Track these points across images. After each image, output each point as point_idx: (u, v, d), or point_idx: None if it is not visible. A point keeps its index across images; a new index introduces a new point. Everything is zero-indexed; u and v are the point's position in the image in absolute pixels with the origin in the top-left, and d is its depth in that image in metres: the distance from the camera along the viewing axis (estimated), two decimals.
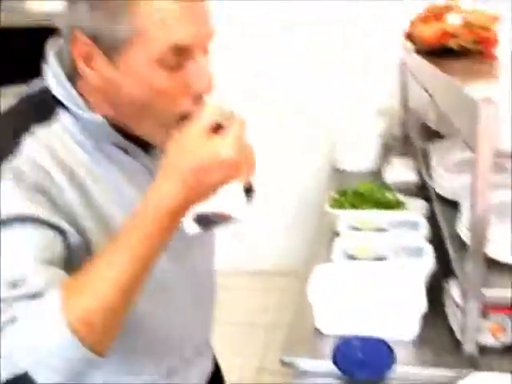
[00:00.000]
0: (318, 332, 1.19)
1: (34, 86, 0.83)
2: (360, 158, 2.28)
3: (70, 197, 0.76)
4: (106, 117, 0.78)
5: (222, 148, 0.70)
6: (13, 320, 0.64)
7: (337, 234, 1.52)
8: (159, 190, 0.71)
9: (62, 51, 0.80)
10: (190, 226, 0.78)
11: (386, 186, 1.90)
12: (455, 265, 1.13)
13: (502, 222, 1.11)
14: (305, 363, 1.12)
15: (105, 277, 0.67)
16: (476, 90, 0.98)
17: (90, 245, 0.78)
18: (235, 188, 0.80)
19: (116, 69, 0.74)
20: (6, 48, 2.09)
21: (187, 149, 0.70)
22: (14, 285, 0.66)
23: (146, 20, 0.71)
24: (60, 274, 0.70)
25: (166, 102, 0.76)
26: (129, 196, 0.83)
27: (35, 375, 0.63)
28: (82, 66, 0.75)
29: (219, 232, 0.99)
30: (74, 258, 0.76)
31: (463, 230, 1.15)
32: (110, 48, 0.73)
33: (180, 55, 0.74)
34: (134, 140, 0.83)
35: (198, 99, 0.78)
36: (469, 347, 1.07)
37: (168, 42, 0.72)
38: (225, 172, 0.71)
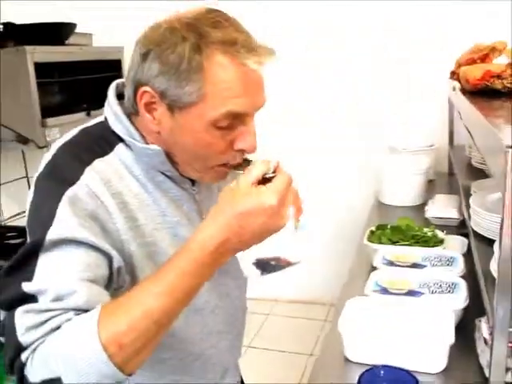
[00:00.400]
0: (346, 361, 1.22)
1: (94, 122, 0.94)
2: (404, 193, 2.29)
3: (120, 223, 0.84)
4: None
5: (265, 196, 0.77)
6: (56, 329, 0.72)
7: (374, 268, 1.55)
8: (204, 230, 0.77)
9: (119, 87, 0.91)
10: (250, 270, 0.85)
11: (427, 222, 1.92)
12: (486, 302, 1.15)
13: None
14: None
15: (140, 305, 0.73)
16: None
17: (134, 268, 0.86)
18: (290, 233, 0.86)
19: (175, 122, 0.84)
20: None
21: (234, 197, 0.78)
22: (59, 298, 0.74)
23: (210, 89, 0.80)
24: (102, 293, 0.78)
25: (212, 155, 0.86)
26: (173, 221, 0.91)
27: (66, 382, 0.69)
28: (143, 112, 0.85)
29: None
30: (119, 282, 0.84)
31: (495, 268, 1.16)
32: (173, 105, 0.82)
33: (232, 119, 0.83)
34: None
35: (240, 156, 0.88)
36: None
37: (225, 109, 0.81)
38: (266, 218, 0.77)
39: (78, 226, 0.78)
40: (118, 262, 0.83)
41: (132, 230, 0.86)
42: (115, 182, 0.85)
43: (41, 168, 0.86)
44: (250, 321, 2.97)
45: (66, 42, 2.45)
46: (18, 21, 2.25)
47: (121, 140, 0.89)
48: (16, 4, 2.62)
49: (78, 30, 2.48)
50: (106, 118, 0.91)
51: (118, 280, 0.85)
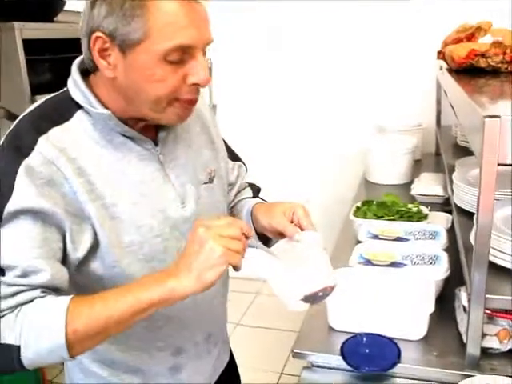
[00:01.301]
0: (330, 329, 1.26)
1: (58, 92, 0.97)
2: (391, 172, 2.33)
3: (76, 186, 0.87)
4: (114, 112, 0.91)
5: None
6: (26, 302, 0.81)
7: (359, 242, 1.59)
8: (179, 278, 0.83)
9: (83, 58, 0.94)
10: (297, 305, 0.88)
11: (413, 200, 1.96)
12: (465, 272, 1.19)
13: None
14: (315, 356, 1.20)
15: (101, 311, 0.81)
16: (495, 107, 1.04)
17: (95, 229, 0.89)
18: (323, 259, 0.91)
19: (128, 63, 0.86)
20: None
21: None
22: (25, 274, 0.82)
23: (154, 23, 0.83)
24: (62, 269, 0.87)
25: (166, 90, 0.87)
26: (135, 180, 0.94)
27: (23, 353, 0.79)
28: (98, 59, 0.87)
29: None
30: (78, 250, 0.89)
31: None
32: (124, 45, 0.85)
33: (182, 53, 0.86)
34: (142, 133, 0.95)
35: (194, 90, 0.91)
36: (473, 350, 1.12)
37: (172, 42, 0.84)
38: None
39: (35, 195, 0.83)
40: (70, 235, 0.88)
41: (91, 193, 0.89)
42: (72, 149, 0.89)
43: (2, 140, 0.90)
44: (240, 299, 3.03)
45: (55, 19, 2.44)
46: None
47: (80, 107, 0.92)
48: None
49: (67, 7, 2.47)
50: (68, 88, 0.94)
51: (76, 247, 0.89)
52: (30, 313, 0.80)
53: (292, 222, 0.99)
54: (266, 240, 1.09)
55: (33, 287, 0.82)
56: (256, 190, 1.24)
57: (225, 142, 1.20)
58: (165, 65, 0.85)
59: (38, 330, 0.79)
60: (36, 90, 2.14)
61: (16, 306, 0.81)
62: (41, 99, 0.96)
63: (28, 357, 0.79)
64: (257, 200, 1.17)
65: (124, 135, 0.93)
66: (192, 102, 0.93)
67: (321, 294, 0.89)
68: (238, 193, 1.24)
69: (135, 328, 0.95)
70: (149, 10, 0.83)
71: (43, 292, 0.83)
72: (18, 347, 0.78)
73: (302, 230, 0.97)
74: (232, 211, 1.21)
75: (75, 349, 0.81)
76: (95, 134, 0.92)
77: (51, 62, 2.37)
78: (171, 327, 1.03)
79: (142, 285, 0.83)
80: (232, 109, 3.11)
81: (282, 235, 0.99)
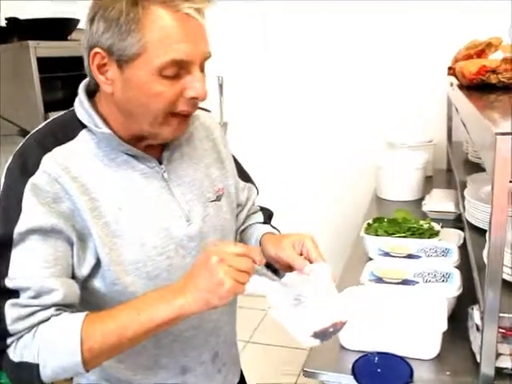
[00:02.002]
0: (341, 348, 1.24)
1: (65, 113, 0.99)
2: (402, 188, 2.32)
3: (80, 204, 0.88)
4: (116, 131, 0.92)
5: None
6: (41, 322, 0.84)
7: (370, 259, 1.58)
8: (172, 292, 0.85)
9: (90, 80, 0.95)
10: (309, 341, 0.87)
11: (424, 216, 1.94)
12: (478, 290, 1.17)
13: None
14: (326, 376, 1.18)
15: (115, 329, 0.83)
16: (507, 124, 1.03)
17: (96, 247, 0.90)
18: (336, 293, 0.90)
19: (125, 78, 0.87)
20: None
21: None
22: (38, 295, 0.84)
23: (150, 38, 0.84)
24: (73, 284, 0.88)
25: (163, 104, 0.88)
26: (140, 198, 0.95)
27: (42, 371, 0.81)
28: (97, 74, 0.89)
29: None
30: (83, 267, 0.91)
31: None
32: (121, 60, 0.86)
33: (178, 68, 0.86)
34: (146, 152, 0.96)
35: (192, 103, 0.91)
36: (487, 370, 1.09)
37: (167, 57, 0.85)
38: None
39: (43, 214, 0.85)
40: (75, 245, 0.89)
41: (94, 211, 0.90)
42: (76, 167, 0.90)
43: (10, 159, 0.91)
44: (249, 317, 3.01)
45: (69, 37, 2.48)
46: (22, 16, 2.28)
47: (85, 126, 0.94)
48: None
49: (81, 25, 2.51)
50: (74, 108, 0.96)
51: (81, 264, 0.90)
52: (46, 332, 0.83)
53: (301, 254, 0.98)
54: (274, 271, 1.09)
55: (46, 307, 0.84)
56: (268, 216, 1.24)
57: (237, 162, 1.20)
58: (161, 79, 0.86)
59: (55, 350, 0.82)
60: (49, 107, 2.17)
61: (32, 327, 0.83)
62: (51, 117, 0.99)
63: (47, 374, 0.82)
64: (267, 228, 1.16)
65: (127, 154, 0.94)
66: (189, 115, 0.94)
67: (331, 329, 0.88)
68: (248, 216, 1.23)
69: (143, 346, 0.95)
70: (144, 24, 0.84)
71: (57, 310, 0.85)
72: (37, 365, 0.81)
73: (311, 262, 0.96)
74: (242, 236, 1.20)
75: (90, 364, 0.83)
76: (99, 153, 0.93)
77: (64, 80, 2.41)
78: (177, 346, 1.03)
79: (151, 304, 0.84)
80: (243, 126, 3.12)
81: (291, 268, 0.98)
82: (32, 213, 0.84)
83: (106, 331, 0.83)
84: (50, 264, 0.85)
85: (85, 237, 0.89)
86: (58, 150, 0.90)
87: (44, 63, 2.16)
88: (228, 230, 1.10)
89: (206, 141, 1.10)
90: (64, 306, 0.86)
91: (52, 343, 0.82)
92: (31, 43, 2.10)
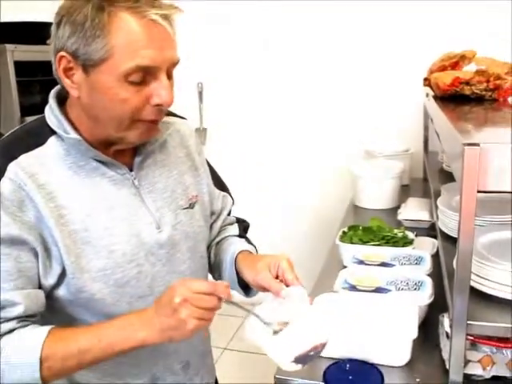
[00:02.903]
0: None
1: (35, 119, 0.98)
2: (378, 196, 2.34)
3: (45, 212, 0.88)
4: (85, 138, 0.92)
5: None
6: (10, 332, 0.85)
7: (345, 267, 1.59)
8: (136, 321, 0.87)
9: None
10: (289, 366, 0.88)
11: (399, 225, 1.97)
12: (448, 298, 1.19)
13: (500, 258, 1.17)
14: (297, 382, 1.19)
15: (75, 352, 0.85)
16: (476, 135, 1.05)
17: (62, 256, 0.89)
18: (313, 316, 0.91)
19: (91, 82, 0.87)
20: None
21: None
22: (1, 307, 0.84)
23: (115, 44, 0.84)
24: (38, 295, 0.89)
25: (129, 110, 0.88)
26: (109, 205, 0.94)
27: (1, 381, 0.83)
28: (63, 78, 0.89)
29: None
30: (49, 275, 0.91)
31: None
32: (86, 65, 0.86)
33: (144, 74, 0.87)
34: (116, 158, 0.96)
35: (157, 111, 0.91)
36: (456, 377, 1.11)
37: (132, 63, 0.85)
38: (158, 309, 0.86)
39: (8, 224, 0.85)
40: (41, 255, 0.89)
41: (60, 219, 0.89)
42: (42, 174, 0.89)
43: None
44: (227, 324, 3.00)
45: (48, 41, 2.46)
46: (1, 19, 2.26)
47: (54, 132, 0.93)
48: None
49: None
50: (44, 114, 0.96)
51: (47, 273, 0.90)
52: (7, 346, 0.84)
53: (277, 276, 0.98)
54: (244, 286, 1.10)
55: (8, 319, 0.85)
56: (243, 228, 1.24)
57: (213, 171, 1.20)
58: (127, 85, 0.86)
59: (16, 365, 0.83)
60: (26, 111, 2.16)
61: None
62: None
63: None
64: (242, 245, 1.15)
65: (97, 160, 0.94)
66: (155, 122, 0.94)
67: (312, 353, 0.89)
68: (223, 226, 1.23)
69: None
70: (109, 30, 0.84)
71: (20, 322, 0.86)
72: None
73: (287, 284, 0.96)
74: (217, 248, 1.20)
75: (48, 379, 0.86)
76: (68, 160, 0.92)
77: (42, 84, 2.40)
78: (146, 355, 1.02)
79: (114, 333, 0.86)
80: (222, 132, 3.13)
81: (267, 290, 0.98)
82: None
83: (67, 354, 0.84)
84: (14, 277, 0.85)
85: (49, 245, 0.89)
86: (24, 157, 0.89)
87: (22, 67, 2.15)
88: (201, 237, 1.10)
89: (180, 148, 1.10)
90: (27, 317, 0.87)
91: (13, 358, 0.83)
92: (8, 47, 2.10)
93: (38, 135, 0.93)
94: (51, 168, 0.91)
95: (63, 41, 0.87)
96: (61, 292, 0.92)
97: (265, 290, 0.99)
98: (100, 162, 0.94)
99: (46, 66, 2.29)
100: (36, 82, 2.35)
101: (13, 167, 0.87)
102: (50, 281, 0.90)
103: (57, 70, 0.89)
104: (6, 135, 0.95)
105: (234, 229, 1.22)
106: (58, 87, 0.97)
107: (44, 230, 0.88)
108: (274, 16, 2.89)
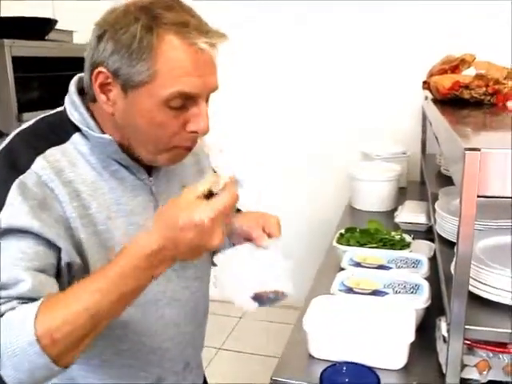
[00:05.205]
0: (310, 357, 1.25)
1: (54, 111, 0.95)
2: (375, 199, 2.34)
3: (69, 211, 0.85)
4: (113, 138, 0.89)
5: (198, 213, 0.77)
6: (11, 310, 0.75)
7: (342, 270, 1.58)
8: (144, 237, 0.79)
9: (82, 81, 0.93)
10: (247, 303, 0.87)
11: (396, 227, 1.97)
12: (445, 302, 1.19)
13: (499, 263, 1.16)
14: None
15: (77, 300, 0.76)
16: (476, 140, 1.05)
17: (85, 256, 0.87)
18: (285, 266, 0.90)
19: (129, 102, 0.86)
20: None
21: (173, 209, 0.79)
22: (4, 287, 0.77)
23: (160, 68, 0.82)
24: (50, 281, 0.81)
25: (165, 135, 0.87)
26: (127, 210, 0.93)
27: (2, 370, 0.73)
28: (98, 93, 0.87)
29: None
30: (71, 273, 0.86)
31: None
32: (126, 85, 0.84)
33: (185, 100, 0.85)
34: (137, 162, 0.94)
35: (193, 138, 0.90)
36: (452, 381, 1.10)
37: (175, 88, 0.83)
38: (193, 235, 0.77)
39: (27, 214, 0.80)
40: (66, 254, 0.84)
41: (83, 219, 0.87)
42: (68, 171, 0.87)
43: None
44: (223, 323, 3.00)
45: (47, 37, 2.45)
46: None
47: (77, 129, 0.90)
48: None
49: (59, 26, 2.48)
50: (65, 108, 0.93)
51: (69, 272, 0.86)
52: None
53: (264, 231, 0.98)
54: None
55: (10, 299, 0.77)
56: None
57: None
58: (166, 109, 0.85)
59: (15, 353, 0.73)
60: (24, 107, 2.14)
61: None
62: (31, 117, 0.95)
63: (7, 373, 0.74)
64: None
65: (119, 163, 0.92)
66: (189, 149, 0.92)
67: (272, 296, 0.88)
68: None
69: (118, 358, 0.94)
70: (156, 54, 0.82)
71: (21, 303, 0.77)
72: None
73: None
74: None
75: (61, 359, 0.75)
76: (92, 159, 0.90)
77: (40, 80, 2.38)
78: (154, 358, 1.01)
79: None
80: (221, 133, 3.11)
81: (249, 241, 0.98)
82: (15, 211, 0.80)
83: (68, 313, 0.75)
84: (29, 257, 0.79)
85: (73, 244, 0.86)
86: (50, 152, 0.87)
87: (20, 62, 2.13)
88: None
89: (193, 166, 1.11)
90: (32, 300, 0.77)
91: (9, 346, 0.73)
92: (7, 42, 2.08)
93: (61, 130, 0.90)
94: (76, 165, 0.88)
95: (104, 56, 0.84)
96: None
97: (246, 240, 0.98)
98: (122, 165, 0.93)
99: (44, 62, 2.29)
100: (34, 77, 2.33)
101: (40, 161, 0.85)
102: (65, 278, 0.86)
103: (92, 83, 0.87)
104: (25, 127, 0.91)
105: None
106: (76, 79, 0.94)
107: (68, 229, 0.85)
108: (273, 18, 2.89)
